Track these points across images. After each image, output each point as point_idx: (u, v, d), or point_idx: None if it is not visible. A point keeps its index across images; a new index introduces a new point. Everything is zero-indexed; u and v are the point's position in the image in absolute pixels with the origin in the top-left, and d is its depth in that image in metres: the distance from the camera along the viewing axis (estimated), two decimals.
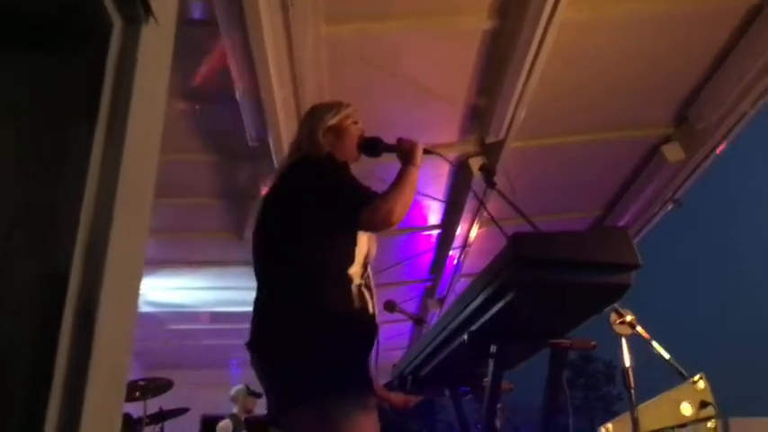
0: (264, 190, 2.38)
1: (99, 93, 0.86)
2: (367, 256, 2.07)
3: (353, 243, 2.01)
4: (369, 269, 2.09)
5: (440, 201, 5.25)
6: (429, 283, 7.11)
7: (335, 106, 2.26)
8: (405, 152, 2.15)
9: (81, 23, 0.88)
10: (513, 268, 1.72)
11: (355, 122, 2.26)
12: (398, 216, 1.95)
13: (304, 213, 1.95)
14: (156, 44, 0.98)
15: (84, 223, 0.85)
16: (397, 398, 2.69)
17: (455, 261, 6.15)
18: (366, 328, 1.98)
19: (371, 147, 2.25)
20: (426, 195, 5.10)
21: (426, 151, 2.21)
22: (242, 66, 3.23)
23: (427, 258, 6.50)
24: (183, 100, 3.78)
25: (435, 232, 5.90)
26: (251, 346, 1.97)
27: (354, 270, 1.98)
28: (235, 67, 3.27)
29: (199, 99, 3.80)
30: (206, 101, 3.81)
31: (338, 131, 2.20)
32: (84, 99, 0.86)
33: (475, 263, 6.06)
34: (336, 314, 1.89)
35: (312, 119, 2.23)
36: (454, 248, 5.87)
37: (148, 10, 0.93)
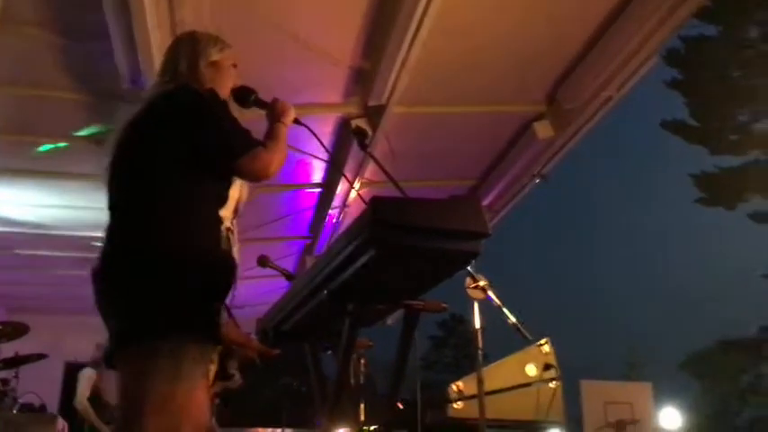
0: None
1: None
2: (238, 202, 2.03)
3: (228, 185, 1.96)
4: (236, 216, 2.06)
5: (322, 160, 5.25)
6: (308, 241, 7.13)
7: (220, 42, 2.12)
8: (277, 112, 2.09)
9: None
10: (370, 230, 1.79)
11: (234, 66, 2.15)
12: (275, 169, 1.93)
13: (182, 145, 1.84)
14: None
15: None
16: (259, 347, 2.67)
17: (334, 220, 6.20)
18: (229, 273, 1.92)
19: (244, 96, 2.16)
20: (308, 153, 5.08)
21: (296, 121, 2.15)
22: (116, 5, 3.07)
23: (307, 216, 6.50)
24: (51, 32, 3.54)
25: (316, 190, 5.91)
26: (98, 275, 1.82)
27: (224, 213, 1.94)
28: (109, 6, 3.09)
29: (69, 33, 3.57)
30: (77, 36, 3.59)
31: (219, 69, 2.07)
32: None
33: None
34: (204, 253, 1.83)
35: (195, 47, 2.07)
36: (334, 207, 5.92)
37: None
